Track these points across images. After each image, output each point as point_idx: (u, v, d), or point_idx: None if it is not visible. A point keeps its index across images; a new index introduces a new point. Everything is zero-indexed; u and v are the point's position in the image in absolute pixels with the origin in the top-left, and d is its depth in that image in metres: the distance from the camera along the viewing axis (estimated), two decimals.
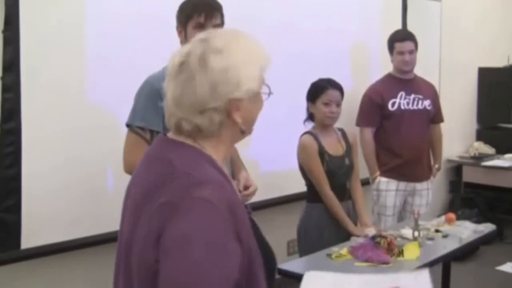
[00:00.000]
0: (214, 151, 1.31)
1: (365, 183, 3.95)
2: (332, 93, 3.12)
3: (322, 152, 3.10)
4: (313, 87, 3.17)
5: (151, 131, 2.31)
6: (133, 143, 2.32)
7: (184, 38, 2.37)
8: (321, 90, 3.13)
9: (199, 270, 1.12)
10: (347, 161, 3.19)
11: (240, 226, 1.21)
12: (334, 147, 3.18)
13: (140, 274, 1.22)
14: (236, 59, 1.26)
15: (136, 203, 1.28)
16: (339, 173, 3.14)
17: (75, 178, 2.79)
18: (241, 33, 1.33)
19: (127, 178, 2.43)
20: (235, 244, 1.18)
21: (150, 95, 2.29)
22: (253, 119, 1.35)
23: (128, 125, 2.35)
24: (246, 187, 2.34)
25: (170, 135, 1.34)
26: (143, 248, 1.20)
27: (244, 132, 1.33)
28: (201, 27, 2.31)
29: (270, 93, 1.34)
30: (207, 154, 1.28)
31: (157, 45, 2.96)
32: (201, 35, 1.32)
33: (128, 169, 2.36)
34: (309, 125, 3.23)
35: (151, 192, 1.23)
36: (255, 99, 1.31)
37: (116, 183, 2.96)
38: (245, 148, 2.90)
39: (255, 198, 2.38)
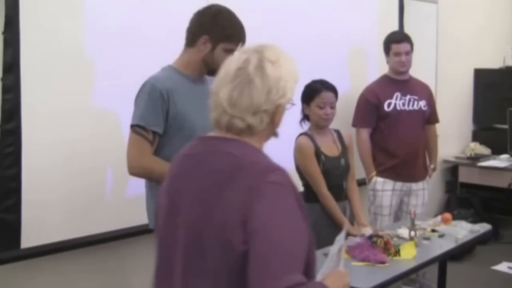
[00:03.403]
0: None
1: (362, 183, 3.98)
2: (326, 95, 3.14)
3: (318, 153, 3.13)
4: (307, 89, 3.18)
5: (154, 132, 2.32)
6: (135, 144, 2.33)
7: (210, 52, 2.38)
8: (315, 93, 3.14)
9: (287, 242, 1.28)
10: (342, 161, 3.21)
11: (302, 207, 1.37)
12: (330, 148, 3.20)
13: (220, 256, 1.34)
14: (285, 71, 1.45)
15: (203, 193, 1.40)
16: (335, 173, 3.16)
17: (74, 178, 2.80)
18: (281, 49, 1.52)
19: (127, 178, 2.48)
20: (304, 222, 1.36)
21: (152, 95, 2.30)
22: (280, 124, 1.52)
23: (130, 126, 2.36)
24: None
25: (213, 133, 1.49)
26: (225, 231, 1.32)
27: (276, 134, 1.52)
28: (231, 52, 2.36)
29: (293, 104, 1.52)
30: (256, 147, 1.45)
31: (157, 45, 2.99)
32: (255, 46, 1.50)
33: (131, 170, 2.37)
34: (305, 126, 3.26)
35: (221, 181, 1.37)
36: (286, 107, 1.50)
37: (116, 183, 2.98)
38: None
39: None
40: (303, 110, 3.23)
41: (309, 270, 1.38)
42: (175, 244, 1.44)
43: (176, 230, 1.45)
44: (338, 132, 3.29)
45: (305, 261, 1.34)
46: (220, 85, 1.45)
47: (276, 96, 1.43)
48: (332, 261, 1.87)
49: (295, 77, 1.49)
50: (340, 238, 2.06)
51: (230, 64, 1.47)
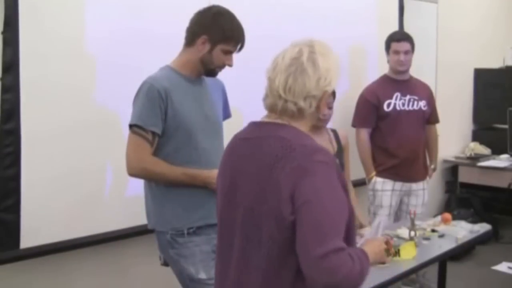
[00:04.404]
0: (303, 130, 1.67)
1: (361, 183, 3.98)
2: None
3: None
4: None
5: (153, 133, 2.31)
6: (134, 145, 2.32)
7: (208, 52, 2.38)
8: None
9: (331, 212, 1.49)
10: (337, 162, 3.19)
11: (342, 182, 1.59)
12: (325, 148, 3.18)
13: (274, 227, 1.54)
14: (332, 63, 1.68)
15: (259, 172, 1.59)
16: None
17: (74, 178, 2.80)
18: (327, 43, 1.77)
19: (127, 178, 2.48)
20: (345, 194, 1.57)
21: (150, 95, 2.30)
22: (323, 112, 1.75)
23: (129, 127, 2.35)
24: None
25: (265, 118, 1.68)
26: (277, 204, 1.53)
27: (320, 120, 1.67)
28: (229, 54, 2.41)
29: (334, 98, 1.74)
30: (303, 131, 1.65)
31: (158, 45, 2.99)
32: (305, 40, 1.73)
33: (131, 171, 2.36)
34: None
35: (274, 162, 1.56)
36: None
37: (116, 183, 2.97)
38: None
39: None
40: None
41: (349, 237, 1.59)
42: (235, 218, 1.66)
43: (236, 206, 1.66)
44: (334, 131, 3.28)
45: (346, 229, 1.53)
46: (275, 72, 1.65)
47: (324, 83, 1.64)
48: (372, 233, 2.30)
49: (339, 69, 1.71)
50: (380, 214, 2.30)
51: (284, 55, 1.68)
